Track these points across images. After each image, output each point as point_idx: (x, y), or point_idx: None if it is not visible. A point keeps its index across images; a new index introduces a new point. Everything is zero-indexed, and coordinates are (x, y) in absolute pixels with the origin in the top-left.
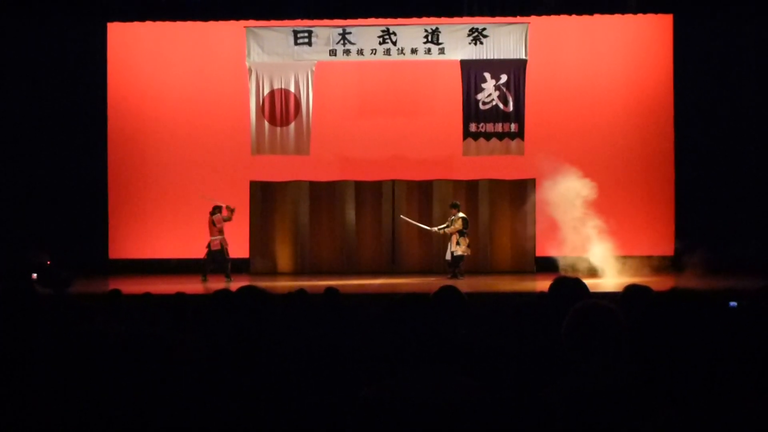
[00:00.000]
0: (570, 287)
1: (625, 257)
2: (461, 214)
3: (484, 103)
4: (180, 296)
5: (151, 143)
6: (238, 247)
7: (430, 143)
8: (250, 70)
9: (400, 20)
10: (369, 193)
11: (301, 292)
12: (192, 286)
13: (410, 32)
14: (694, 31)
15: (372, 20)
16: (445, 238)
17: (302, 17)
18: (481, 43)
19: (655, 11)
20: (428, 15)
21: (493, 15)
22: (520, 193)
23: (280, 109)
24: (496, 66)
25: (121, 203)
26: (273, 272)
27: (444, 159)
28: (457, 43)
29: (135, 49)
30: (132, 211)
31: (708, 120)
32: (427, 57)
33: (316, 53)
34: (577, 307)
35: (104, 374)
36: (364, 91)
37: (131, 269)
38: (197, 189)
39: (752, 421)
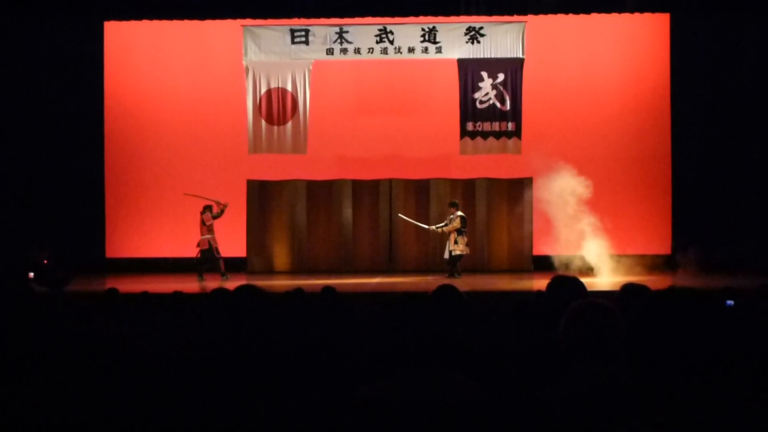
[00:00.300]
0: (568, 286)
1: (622, 256)
2: (460, 213)
3: (481, 102)
4: (177, 295)
5: (148, 142)
6: (235, 246)
7: (428, 142)
8: (247, 69)
9: (397, 19)
10: (366, 192)
11: (299, 291)
12: (189, 285)
13: (407, 31)
14: (690, 30)
15: (369, 19)
16: (444, 237)
17: (299, 16)
18: (478, 42)
19: (652, 10)
20: (425, 14)
21: (490, 14)
22: (517, 191)
23: (277, 108)
24: (493, 65)
25: (118, 202)
26: (270, 271)
27: (441, 158)
28: (454, 42)
29: (132, 48)
30: (129, 210)
31: (705, 119)
32: (424, 56)
33: (313, 52)
34: (575, 305)
35: (102, 373)
36: (361, 90)
37: (128, 268)
38: (194, 188)
39: (750, 420)
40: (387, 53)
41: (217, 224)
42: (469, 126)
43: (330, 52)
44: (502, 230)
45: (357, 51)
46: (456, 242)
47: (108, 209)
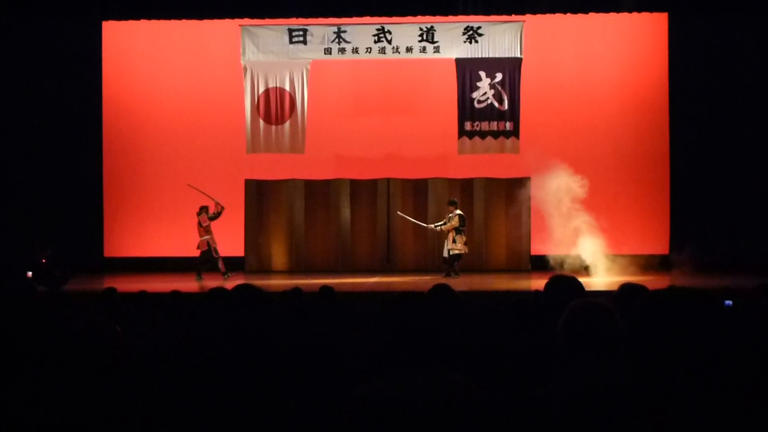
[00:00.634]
0: (566, 286)
1: (619, 256)
2: (458, 212)
3: (479, 102)
4: (175, 294)
5: (147, 141)
6: (233, 246)
7: (425, 141)
8: (245, 69)
9: (395, 19)
10: (364, 191)
11: (297, 290)
12: (187, 284)
13: (405, 31)
14: (688, 30)
15: (367, 19)
16: (442, 236)
17: (297, 16)
18: (476, 41)
19: (650, 10)
20: (423, 13)
21: (488, 13)
22: (515, 191)
23: (275, 107)
24: (491, 64)
25: (117, 201)
26: (268, 270)
27: (439, 157)
28: (452, 41)
29: (130, 48)
30: (127, 209)
31: (703, 118)
32: (422, 56)
33: (311, 52)
34: (573, 305)
35: (100, 373)
36: (359, 89)
37: (126, 267)
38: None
39: (749, 420)
40: (385, 53)
41: (215, 223)
42: (467, 125)
43: (328, 51)
44: (499, 230)
45: (355, 51)
46: (454, 241)
47: (106, 208)
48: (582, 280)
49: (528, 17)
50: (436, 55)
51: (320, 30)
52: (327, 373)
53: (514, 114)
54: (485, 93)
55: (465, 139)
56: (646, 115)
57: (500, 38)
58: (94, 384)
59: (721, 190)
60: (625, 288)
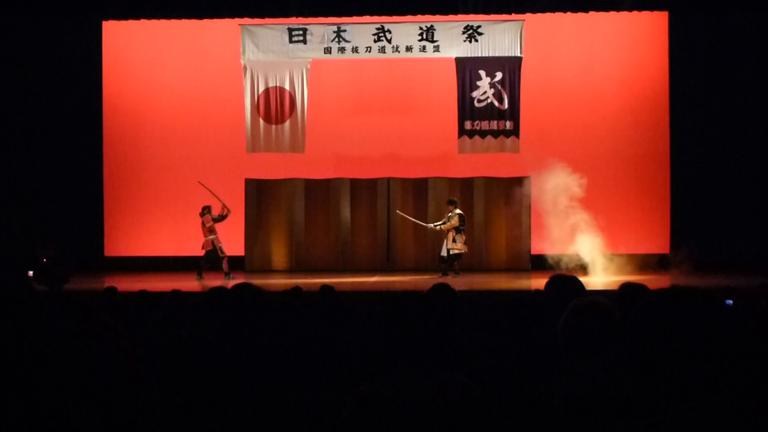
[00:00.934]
0: (566, 285)
1: (620, 255)
2: (458, 211)
3: (480, 101)
4: (176, 294)
5: (147, 141)
6: (234, 245)
7: (426, 141)
8: (245, 68)
9: (394, 18)
10: (364, 190)
11: (297, 289)
12: (188, 283)
13: (405, 30)
14: (689, 29)
15: (367, 18)
16: (441, 235)
17: (297, 15)
18: (476, 40)
19: (650, 8)
20: (423, 13)
21: (488, 12)
22: (515, 190)
23: (275, 106)
24: (491, 64)
25: (117, 200)
26: (268, 270)
27: (439, 156)
28: (452, 40)
29: (130, 47)
30: (128, 209)
31: (703, 117)
32: (422, 55)
33: (311, 51)
34: (574, 304)
35: (100, 372)
36: (359, 88)
37: (127, 266)
38: (193, 186)
39: (750, 420)
40: (385, 52)
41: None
42: (467, 125)
43: (328, 51)
44: (500, 229)
45: (355, 50)
46: (454, 240)
47: (106, 208)
48: (582, 279)
49: (528, 16)
50: (436, 55)
51: (320, 29)
52: (327, 372)
53: (514, 113)
54: (485, 92)
55: (465, 138)
56: (646, 114)
57: (500, 37)
58: (93, 383)
59: (722, 189)
60: (626, 287)
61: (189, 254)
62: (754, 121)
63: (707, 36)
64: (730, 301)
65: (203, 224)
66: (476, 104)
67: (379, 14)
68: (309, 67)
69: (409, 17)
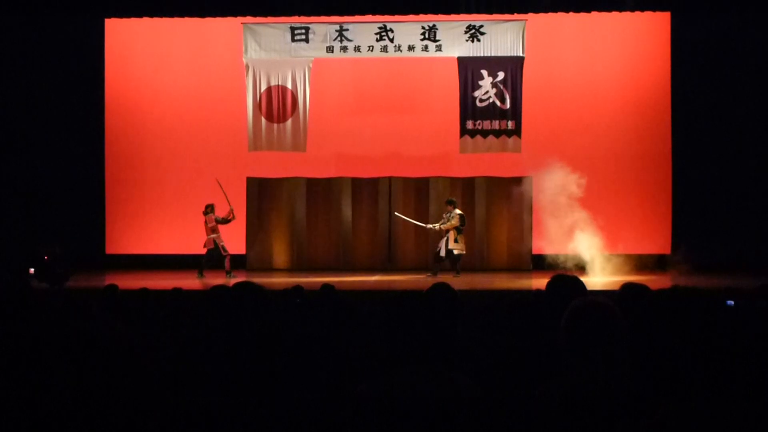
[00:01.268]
0: (568, 285)
1: (621, 255)
2: (458, 211)
3: (481, 101)
4: (177, 292)
5: (149, 139)
6: (235, 243)
7: (427, 140)
8: (247, 67)
9: (397, 17)
10: (365, 190)
11: (298, 288)
12: (189, 281)
13: (407, 29)
14: (691, 29)
15: (369, 17)
16: (439, 235)
17: (299, 14)
18: (479, 40)
19: (653, 9)
20: (425, 12)
21: (490, 12)
22: (516, 190)
23: (277, 105)
24: (493, 63)
25: (118, 198)
26: (269, 268)
27: (441, 156)
28: (454, 40)
29: (132, 45)
30: (129, 207)
31: (705, 117)
32: (424, 54)
33: (313, 50)
34: (576, 304)
35: (100, 370)
36: (361, 88)
37: (128, 264)
38: (194, 185)
39: (751, 420)
40: (387, 51)
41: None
42: (469, 124)
43: (330, 50)
44: (501, 229)
45: (357, 49)
46: (456, 241)
47: (108, 205)
48: (586, 280)
49: (530, 16)
50: (438, 54)
51: (322, 28)
52: (327, 371)
53: (515, 113)
54: (487, 92)
55: (467, 137)
56: (648, 114)
57: (502, 37)
58: (94, 382)
59: (724, 189)
60: (627, 288)
61: (190, 252)
62: (755, 121)
63: (709, 36)
64: (731, 302)
65: (206, 223)
66: (478, 104)
67: (382, 13)
68: (311, 66)
69: (411, 17)
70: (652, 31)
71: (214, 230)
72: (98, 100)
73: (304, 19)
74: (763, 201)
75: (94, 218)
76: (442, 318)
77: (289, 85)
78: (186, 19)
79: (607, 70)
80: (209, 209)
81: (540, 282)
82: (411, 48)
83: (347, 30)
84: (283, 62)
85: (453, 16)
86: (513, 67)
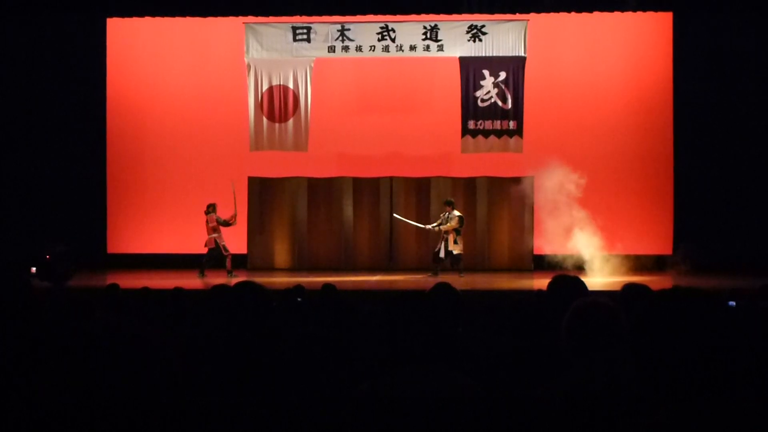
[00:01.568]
0: (569, 285)
1: (622, 255)
2: (457, 213)
3: (483, 101)
4: (178, 291)
5: (150, 138)
6: (236, 243)
7: (429, 140)
8: (248, 66)
9: (398, 17)
10: (367, 189)
11: (299, 288)
12: (190, 281)
13: (409, 29)
14: (693, 29)
15: (371, 17)
16: (438, 235)
17: (301, 14)
18: (480, 40)
19: (655, 9)
20: (427, 12)
21: (492, 12)
22: (518, 190)
23: (278, 105)
24: (495, 63)
25: (120, 198)
26: (270, 268)
27: (442, 156)
28: (455, 40)
29: (134, 45)
30: (130, 206)
31: (707, 118)
32: (426, 54)
33: (315, 50)
34: (578, 304)
35: (102, 369)
36: (362, 87)
37: (130, 264)
38: (196, 184)
39: (752, 420)
40: (388, 51)
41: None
42: (471, 124)
43: (332, 49)
44: (502, 229)
45: (358, 49)
46: (456, 242)
47: (109, 205)
48: (588, 280)
49: (532, 16)
50: (440, 54)
51: (324, 28)
52: (328, 371)
53: (517, 113)
54: (489, 92)
55: (468, 137)
56: (650, 114)
57: (504, 37)
58: (95, 381)
59: (725, 190)
60: (628, 288)
61: (191, 251)
62: (758, 122)
63: (711, 37)
64: (733, 303)
65: (207, 222)
66: (480, 104)
67: (383, 13)
68: (313, 65)
69: (413, 16)
70: (654, 31)
71: (215, 230)
72: (100, 100)
73: (305, 18)
74: (764, 202)
75: (95, 217)
76: (444, 318)
77: (291, 85)
78: (188, 18)
79: (609, 70)
80: (211, 209)
81: (541, 282)
82: (412, 48)
83: (349, 30)
84: (285, 62)
85: (454, 16)
86: (515, 67)
